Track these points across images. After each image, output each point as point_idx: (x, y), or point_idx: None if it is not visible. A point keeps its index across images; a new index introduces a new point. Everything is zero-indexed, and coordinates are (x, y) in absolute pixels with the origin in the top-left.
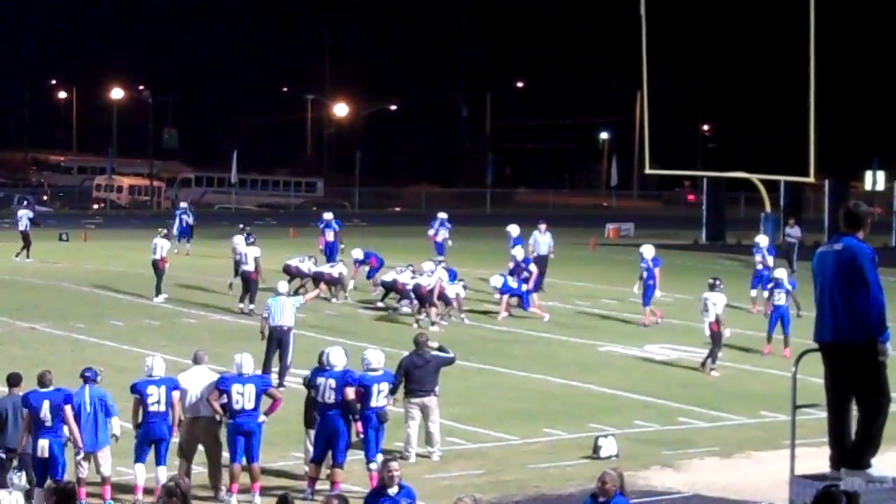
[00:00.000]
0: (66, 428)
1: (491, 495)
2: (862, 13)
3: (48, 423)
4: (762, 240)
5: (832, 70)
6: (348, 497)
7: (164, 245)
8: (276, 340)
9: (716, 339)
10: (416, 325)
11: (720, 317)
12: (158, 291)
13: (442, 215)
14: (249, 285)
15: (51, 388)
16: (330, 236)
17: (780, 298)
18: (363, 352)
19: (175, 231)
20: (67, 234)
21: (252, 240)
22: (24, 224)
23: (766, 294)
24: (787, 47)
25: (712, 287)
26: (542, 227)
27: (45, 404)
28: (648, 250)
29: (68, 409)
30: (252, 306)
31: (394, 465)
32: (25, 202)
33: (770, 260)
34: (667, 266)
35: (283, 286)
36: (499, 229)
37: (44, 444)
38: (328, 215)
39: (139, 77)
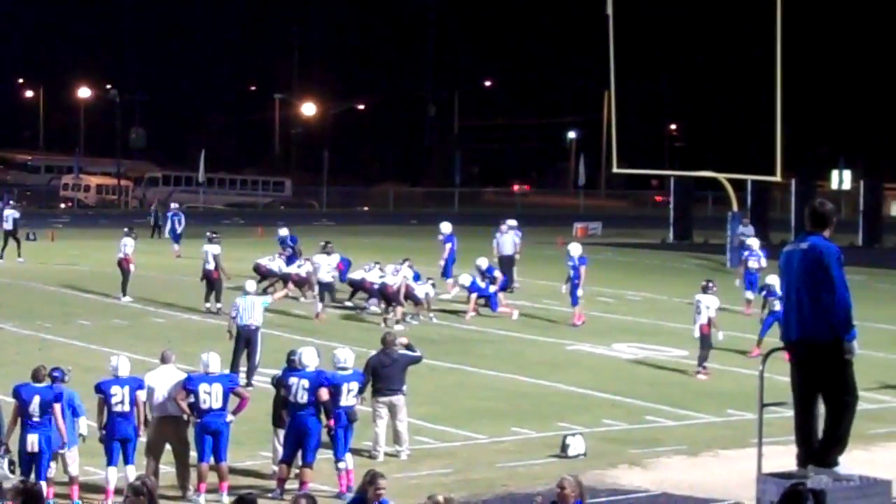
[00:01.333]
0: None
1: (459, 494)
2: (828, 12)
3: (36, 418)
4: (754, 242)
5: (798, 69)
6: (316, 496)
7: (130, 244)
8: (244, 340)
9: (705, 341)
10: (383, 325)
11: (713, 319)
12: (125, 291)
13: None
14: (213, 284)
15: (43, 384)
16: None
17: (776, 305)
18: (333, 350)
19: (167, 234)
20: (35, 233)
21: (215, 238)
22: (10, 223)
23: (751, 298)
24: (754, 47)
25: (705, 289)
26: (504, 227)
27: (36, 399)
28: (575, 248)
29: (57, 406)
30: (219, 305)
31: (383, 482)
32: (11, 202)
33: (763, 261)
34: (635, 265)
35: (250, 285)
36: (467, 228)
37: (33, 439)
38: (283, 231)
39: (106, 76)
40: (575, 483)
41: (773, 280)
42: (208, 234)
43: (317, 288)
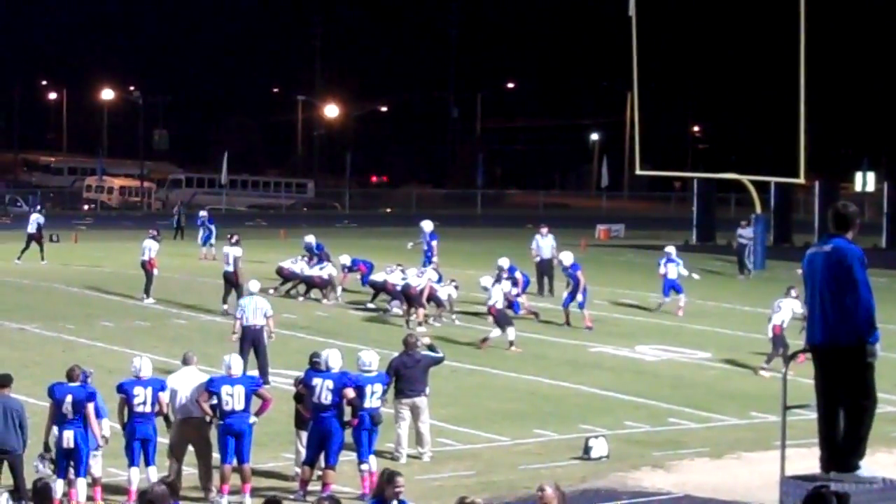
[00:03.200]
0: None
1: (482, 496)
2: (852, 13)
3: (70, 416)
4: (671, 250)
5: (823, 71)
6: (340, 498)
7: (153, 247)
8: (250, 340)
9: (777, 341)
10: (405, 326)
11: (786, 322)
12: (148, 293)
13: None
14: (233, 286)
15: (77, 384)
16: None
17: None
18: (358, 353)
19: (200, 240)
20: (58, 235)
21: (235, 240)
22: (33, 227)
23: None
24: (778, 48)
25: (787, 293)
26: (544, 230)
27: (69, 398)
28: (567, 257)
29: (90, 406)
30: (225, 306)
31: (401, 479)
32: (38, 206)
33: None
34: (656, 267)
35: (254, 285)
36: (489, 230)
37: (69, 435)
38: (310, 238)
39: (130, 78)
40: (555, 487)
41: None
42: (229, 236)
43: (339, 289)
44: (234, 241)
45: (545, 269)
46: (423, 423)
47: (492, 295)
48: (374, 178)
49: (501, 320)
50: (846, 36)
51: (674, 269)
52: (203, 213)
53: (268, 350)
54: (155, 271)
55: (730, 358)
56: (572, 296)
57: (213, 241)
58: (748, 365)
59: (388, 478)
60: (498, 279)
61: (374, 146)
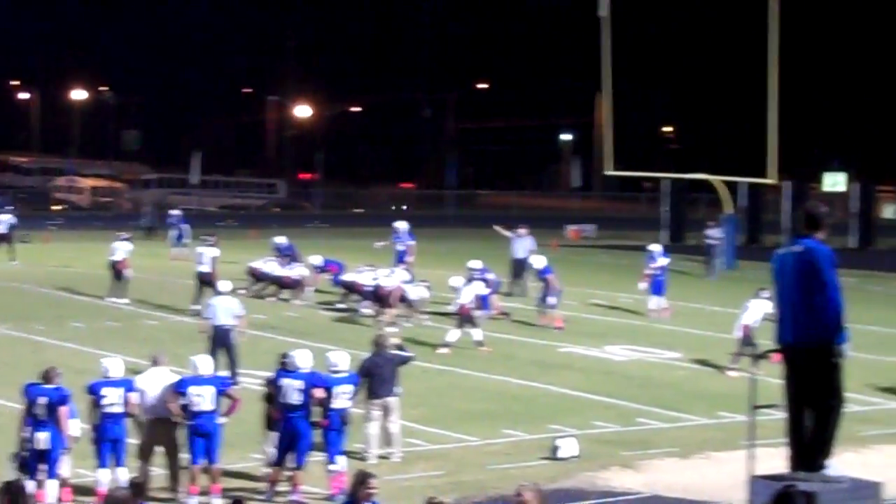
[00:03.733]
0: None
1: (451, 496)
2: (822, 15)
3: (43, 418)
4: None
5: (793, 72)
6: (309, 499)
7: (126, 248)
8: (220, 340)
9: (745, 341)
10: (376, 327)
11: (756, 322)
12: (117, 293)
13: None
14: (206, 286)
15: (52, 386)
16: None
17: None
18: (327, 353)
19: (172, 240)
20: (28, 235)
21: (212, 241)
22: (4, 227)
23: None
24: (749, 49)
25: (757, 294)
26: (522, 230)
27: (43, 400)
28: (539, 261)
29: (63, 409)
30: (196, 307)
31: (374, 481)
32: (6, 207)
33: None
34: (628, 267)
35: (224, 285)
36: (461, 231)
37: (42, 437)
38: (280, 239)
39: (101, 78)
40: (535, 490)
41: None
42: (204, 238)
43: (311, 289)
44: (211, 242)
45: (519, 269)
46: (393, 423)
47: (462, 295)
48: (303, 175)
49: (468, 320)
50: (816, 37)
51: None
52: (176, 213)
53: (237, 350)
54: (128, 272)
55: (699, 358)
56: (543, 298)
57: (186, 240)
58: (717, 365)
59: (361, 479)
60: (469, 280)
61: (346, 146)
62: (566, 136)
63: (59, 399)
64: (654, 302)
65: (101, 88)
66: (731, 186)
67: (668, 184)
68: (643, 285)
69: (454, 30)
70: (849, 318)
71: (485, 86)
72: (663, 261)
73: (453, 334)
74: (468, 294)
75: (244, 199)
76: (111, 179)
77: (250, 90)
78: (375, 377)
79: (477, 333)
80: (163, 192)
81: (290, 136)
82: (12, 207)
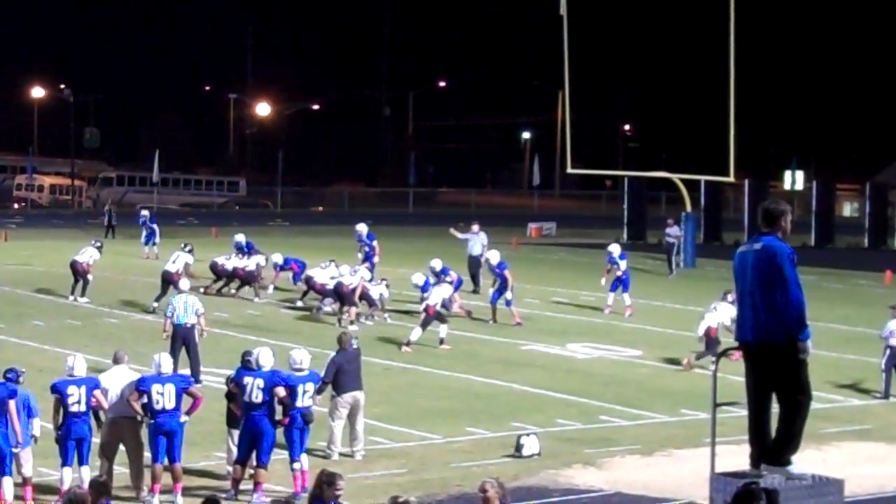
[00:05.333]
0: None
1: (414, 494)
2: (781, 15)
3: None
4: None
5: (752, 71)
6: (272, 497)
7: (94, 255)
8: (181, 338)
9: (711, 343)
10: (337, 325)
11: (722, 325)
12: (77, 292)
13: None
14: (168, 286)
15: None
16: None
17: None
18: (289, 351)
19: (143, 239)
20: None
21: (189, 248)
22: None
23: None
24: (708, 48)
25: (724, 297)
26: (475, 227)
27: None
28: (494, 256)
29: (12, 404)
30: (156, 304)
31: (341, 483)
32: None
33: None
34: (589, 265)
35: (185, 284)
36: (421, 229)
37: None
38: (240, 237)
39: (60, 76)
40: (497, 485)
41: None
42: (184, 244)
43: (270, 287)
44: (187, 249)
45: (473, 266)
46: (359, 420)
47: (431, 296)
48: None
49: (433, 320)
50: (775, 36)
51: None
52: (145, 213)
53: (199, 348)
54: (90, 276)
55: (660, 356)
56: (499, 293)
57: (156, 240)
58: (679, 362)
59: (328, 480)
60: (438, 281)
61: (306, 144)
62: (526, 135)
63: (7, 395)
64: (611, 298)
65: (60, 86)
66: (691, 185)
67: (628, 182)
68: (604, 281)
69: (414, 28)
70: (809, 315)
71: (445, 84)
72: (623, 264)
73: (416, 333)
74: (437, 296)
75: (205, 196)
76: (71, 177)
77: (210, 88)
78: (345, 373)
79: (443, 330)
80: (123, 190)
81: (251, 134)
82: None
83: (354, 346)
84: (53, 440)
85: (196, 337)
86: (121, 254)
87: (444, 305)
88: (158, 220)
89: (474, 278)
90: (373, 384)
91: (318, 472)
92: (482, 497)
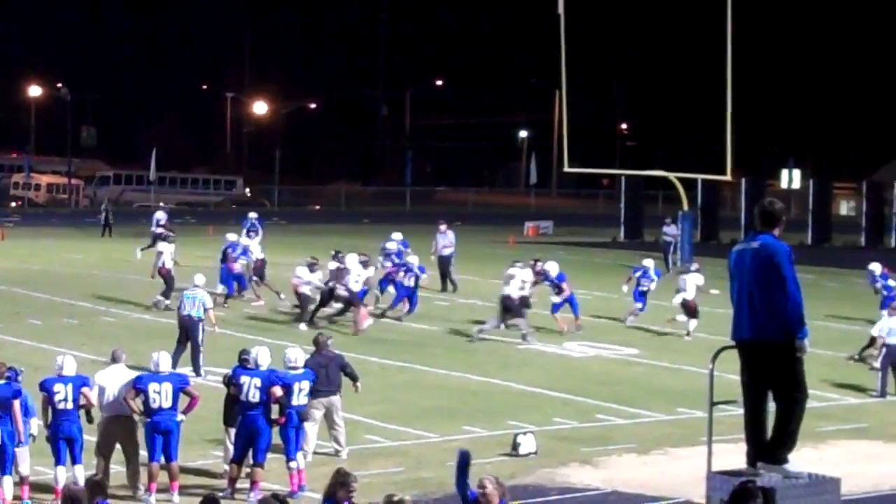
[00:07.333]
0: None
1: (410, 493)
2: (778, 13)
3: None
4: (876, 267)
5: (749, 69)
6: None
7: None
8: (185, 330)
9: (691, 312)
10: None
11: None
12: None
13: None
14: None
15: (2, 382)
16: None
17: None
18: (285, 350)
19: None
20: None
21: (171, 237)
22: None
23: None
24: (705, 46)
25: (687, 271)
26: (443, 226)
27: None
28: (553, 267)
29: (17, 403)
30: (159, 299)
31: (355, 484)
32: None
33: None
34: (586, 264)
35: (199, 279)
36: (418, 227)
37: None
38: (232, 236)
39: (58, 75)
40: (496, 482)
41: None
42: (163, 233)
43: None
44: (168, 237)
45: (443, 265)
46: (338, 422)
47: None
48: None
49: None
50: (772, 35)
51: (646, 284)
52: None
53: (202, 344)
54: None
55: (657, 354)
56: (564, 303)
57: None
58: (676, 361)
59: (342, 481)
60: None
61: (304, 143)
62: (523, 133)
63: (12, 394)
64: (635, 308)
65: (57, 85)
66: (688, 183)
67: (625, 180)
68: (626, 288)
69: (411, 27)
70: (806, 314)
71: (441, 83)
72: (655, 279)
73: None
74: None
75: (202, 195)
76: (68, 176)
77: (207, 87)
78: (319, 376)
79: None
80: (120, 189)
81: (248, 133)
82: None
83: (331, 348)
84: (45, 439)
85: (200, 332)
86: (117, 252)
87: (410, 308)
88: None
89: (444, 278)
90: (369, 382)
91: (333, 472)
92: (481, 493)
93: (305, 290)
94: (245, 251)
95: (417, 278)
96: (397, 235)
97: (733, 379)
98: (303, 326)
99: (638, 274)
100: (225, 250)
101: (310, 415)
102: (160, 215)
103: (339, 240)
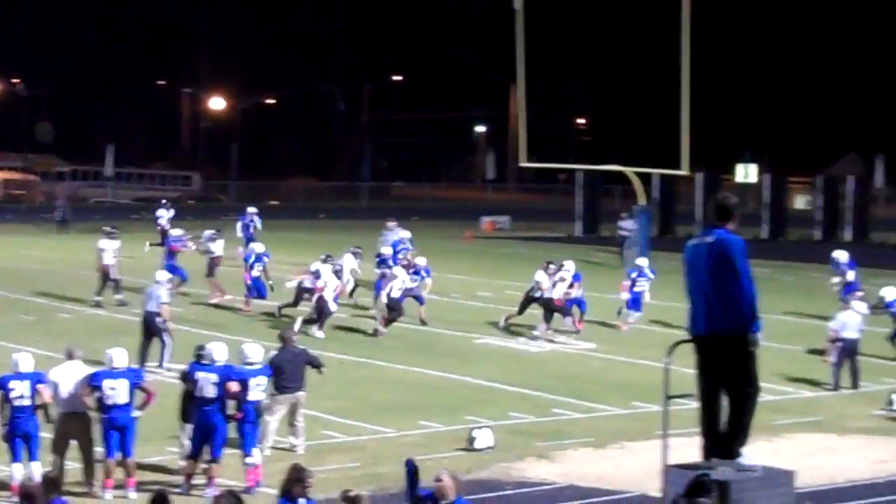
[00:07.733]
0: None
1: (367, 488)
2: (734, 8)
3: None
4: (842, 255)
5: (704, 64)
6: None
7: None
8: (148, 327)
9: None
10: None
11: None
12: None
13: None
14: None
15: None
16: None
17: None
18: (241, 345)
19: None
20: None
21: (114, 234)
22: None
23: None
24: (661, 41)
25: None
26: (391, 223)
27: None
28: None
29: None
30: (118, 296)
31: (311, 479)
32: None
33: (851, 275)
34: (543, 259)
35: (161, 275)
36: (376, 223)
37: None
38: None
39: (13, 70)
40: (452, 476)
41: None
42: (106, 229)
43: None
44: (112, 234)
45: (383, 265)
46: (299, 417)
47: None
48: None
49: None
50: (728, 29)
51: (643, 284)
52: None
53: (165, 338)
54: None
55: (613, 349)
56: (572, 304)
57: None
58: (632, 355)
59: (297, 476)
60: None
61: (261, 139)
62: (480, 128)
63: None
64: (634, 317)
65: (13, 80)
66: (645, 178)
67: (581, 175)
68: (624, 295)
69: (368, 21)
70: (761, 308)
71: (399, 78)
72: (651, 277)
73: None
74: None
75: (158, 191)
76: (24, 172)
77: (164, 82)
78: (285, 372)
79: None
80: (76, 185)
81: (205, 129)
82: None
83: (297, 345)
84: (0, 437)
85: (161, 326)
86: (71, 249)
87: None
88: (112, 215)
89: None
90: (327, 377)
91: (288, 468)
92: (437, 486)
93: (328, 295)
94: (259, 257)
95: (422, 279)
96: (404, 233)
97: (689, 373)
98: (320, 333)
99: (634, 274)
100: (166, 239)
101: (274, 410)
102: (161, 213)
103: (297, 235)
